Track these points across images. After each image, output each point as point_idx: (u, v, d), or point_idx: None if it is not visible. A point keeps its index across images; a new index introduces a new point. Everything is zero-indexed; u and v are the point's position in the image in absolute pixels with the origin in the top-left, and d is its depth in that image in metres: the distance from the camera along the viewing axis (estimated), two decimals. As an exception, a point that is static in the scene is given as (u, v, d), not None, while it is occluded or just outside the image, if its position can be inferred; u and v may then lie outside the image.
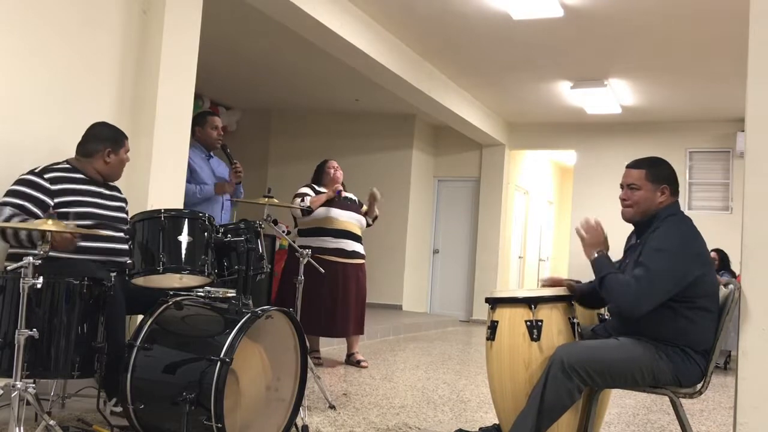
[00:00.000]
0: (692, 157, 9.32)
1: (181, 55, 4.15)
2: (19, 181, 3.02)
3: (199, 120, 4.44)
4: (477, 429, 3.18)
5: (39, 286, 2.34)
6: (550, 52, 6.88)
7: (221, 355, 2.46)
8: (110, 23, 3.87)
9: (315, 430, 3.27)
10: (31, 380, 2.45)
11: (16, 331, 2.32)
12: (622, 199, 2.81)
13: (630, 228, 2.88)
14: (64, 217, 2.93)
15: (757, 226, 2.62)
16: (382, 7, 6.04)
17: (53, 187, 3.01)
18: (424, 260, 10.57)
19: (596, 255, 2.74)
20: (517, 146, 10.44)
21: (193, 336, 2.71)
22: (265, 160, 10.51)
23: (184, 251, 2.85)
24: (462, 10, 5.97)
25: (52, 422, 2.42)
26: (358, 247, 5.17)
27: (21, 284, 2.31)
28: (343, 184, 5.21)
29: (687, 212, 2.80)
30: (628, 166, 2.83)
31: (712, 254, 6.93)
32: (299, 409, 2.93)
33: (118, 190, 3.36)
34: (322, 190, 5.12)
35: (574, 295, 2.85)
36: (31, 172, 3.05)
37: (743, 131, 3.25)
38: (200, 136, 4.45)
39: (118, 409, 2.72)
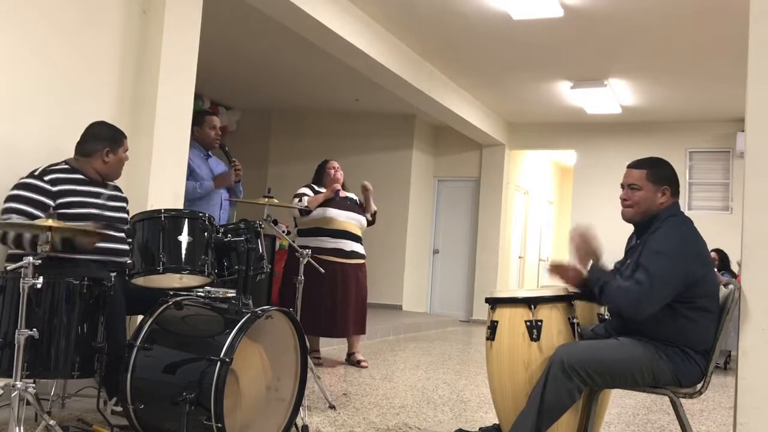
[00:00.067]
0: (692, 157, 9.32)
1: (181, 55, 4.15)
2: (20, 185, 3.00)
3: (197, 120, 4.44)
4: (477, 429, 3.18)
5: (39, 286, 2.34)
6: (550, 52, 6.88)
7: (221, 355, 2.46)
8: (110, 23, 3.87)
9: (315, 430, 3.27)
10: (31, 380, 2.45)
11: (16, 331, 2.32)
12: (623, 200, 2.80)
13: (630, 228, 2.88)
14: (66, 217, 2.93)
15: (757, 226, 2.62)
16: (382, 7, 6.05)
17: (54, 189, 3.01)
18: (424, 260, 10.57)
19: (588, 268, 2.74)
20: (517, 146, 10.45)
21: (193, 336, 2.71)
22: (265, 160, 10.50)
23: (184, 251, 2.85)
24: (462, 10, 5.97)
25: (52, 422, 2.42)
26: (357, 247, 5.16)
27: (21, 284, 2.31)
28: (343, 185, 5.21)
29: (687, 212, 2.81)
30: (629, 167, 2.82)
31: (712, 254, 6.92)
32: (299, 409, 2.93)
33: (119, 190, 3.35)
34: (322, 190, 5.11)
35: (577, 293, 2.84)
36: (31, 175, 3.03)
37: (743, 131, 3.25)
38: (198, 136, 4.44)
39: (119, 408, 2.72)
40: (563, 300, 2.78)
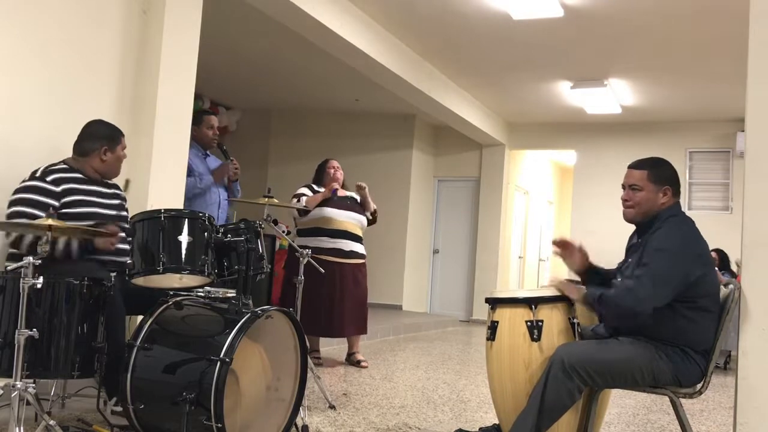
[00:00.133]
0: (692, 157, 9.32)
1: (181, 55, 4.15)
2: (25, 188, 2.98)
3: (195, 119, 4.44)
4: (477, 429, 3.18)
5: (39, 286, 2.34)
6: (550, 52, 6.88)
7: (221, 355, 2.46)
8: (110, 23, 3.87)
9: (315, 430, 3.27)
10: (31, 380, 2.45)
11: (16, 331, 2.32)
12: (624, 200, 2.80)
13: (631, 228, 2.87)
14: (70, 217, 2.92)
15: (757, 226, 2.62)
16: (382, 7, 6.04)
17: (58, 189, 3.00)
18: (424, 260, 10.57)
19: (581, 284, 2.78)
20: (517, 146, 10.45)
21: (193, 336, 2.71)
22: (265, 160, 10.50)
23: (184, 251, 2.85)
24: (462, 10, 5.97)
25: (52, 422, 2.42)
26: (356, 247, 5.15)
27: (21, 284, 2.31)
28: (344, 184, 5.21)
29: (687, 212, 2.81)
30: (630, 167, 2.82)
31: (712, 254, 6.92)
32: (299, 409, 2.92)
33: (117, 188, 3.34)
34: (321, 190, 5.11)
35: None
36: (33, 177, 3.01)
37: (743, 131, 3.25)
38: (196, 135, 4.44)
39: (118, 408, 2.72)
40: (563, 300, 2.78)
